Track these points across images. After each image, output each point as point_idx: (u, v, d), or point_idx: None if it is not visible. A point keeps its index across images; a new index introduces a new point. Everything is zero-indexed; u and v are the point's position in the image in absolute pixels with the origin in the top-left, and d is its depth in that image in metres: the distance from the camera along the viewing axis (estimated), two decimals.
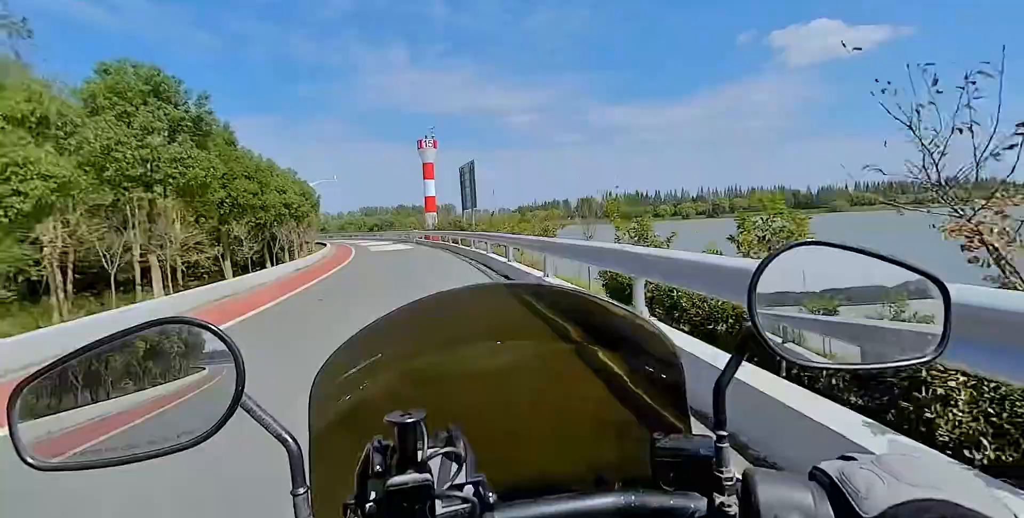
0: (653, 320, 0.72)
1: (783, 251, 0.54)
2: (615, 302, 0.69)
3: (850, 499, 0.43)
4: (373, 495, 0.47)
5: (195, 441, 0.48)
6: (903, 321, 0.57)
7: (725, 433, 0.55)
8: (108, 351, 0.51)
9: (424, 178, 58.36)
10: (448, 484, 0.48)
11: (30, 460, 0.47)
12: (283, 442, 0.51)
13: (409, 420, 0.46)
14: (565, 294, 0.73)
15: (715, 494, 0.53)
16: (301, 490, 0.51)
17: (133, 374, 0.53)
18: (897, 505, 0.39)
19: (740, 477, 0.54)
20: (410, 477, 0.45)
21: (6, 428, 0.47)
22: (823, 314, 0.56)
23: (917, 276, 0.55)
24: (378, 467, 0.47)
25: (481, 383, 0.70)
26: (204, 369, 0.53)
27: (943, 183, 2.90)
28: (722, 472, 0.53)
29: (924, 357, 0.54)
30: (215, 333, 0.50)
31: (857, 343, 0.58)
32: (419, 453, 0.47)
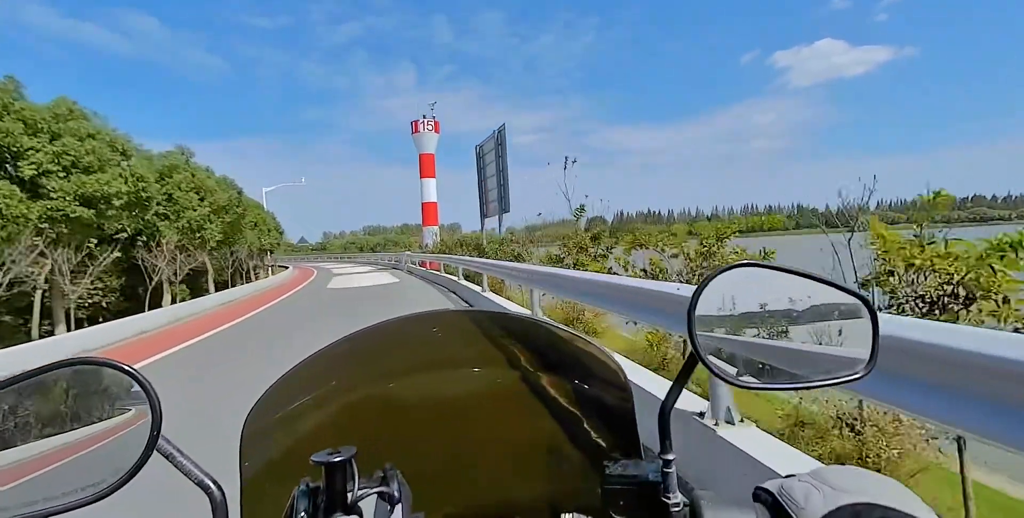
0: (604, 347, 0.72)
1: (719, 273, 0.55)
2: (566, 328, 0.68)
3: (790, 512, 0.44)
4: None
5: (101, 494, 0.44)
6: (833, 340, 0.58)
7: (671, 457, 0.55)
8: (9, 394, 0.46)
9: (421, 176, 37.38)
10: None
11: None
12: (205, 489, 0.47)
13: (337, 459, 0.43)
14: (514, 319, 0.72)
15: None
16: None
17: (33, 421, 0.48)
18: (833, 511, 0.41)
19: (687, 501, 0.53)
20: None
21: None
22: (759, 335, 0.57)
23: (847, 296, 0.57)
24: (302, 513, 0.44)
25: (424, 415, 0.68)
26: (115, 413, 0.49)
27: None
28: (669, 497, 0.53)
29: (855, 375, 0.55)
30: (128, 373, 0.47)
31: (792, 363, 0.59)
32: (349, 495, 0.44)
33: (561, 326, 0.69)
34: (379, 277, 20.37)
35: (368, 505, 0.46)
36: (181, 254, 19.90)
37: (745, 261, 0.57)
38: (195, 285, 23.88)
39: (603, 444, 0.66)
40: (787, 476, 0.50)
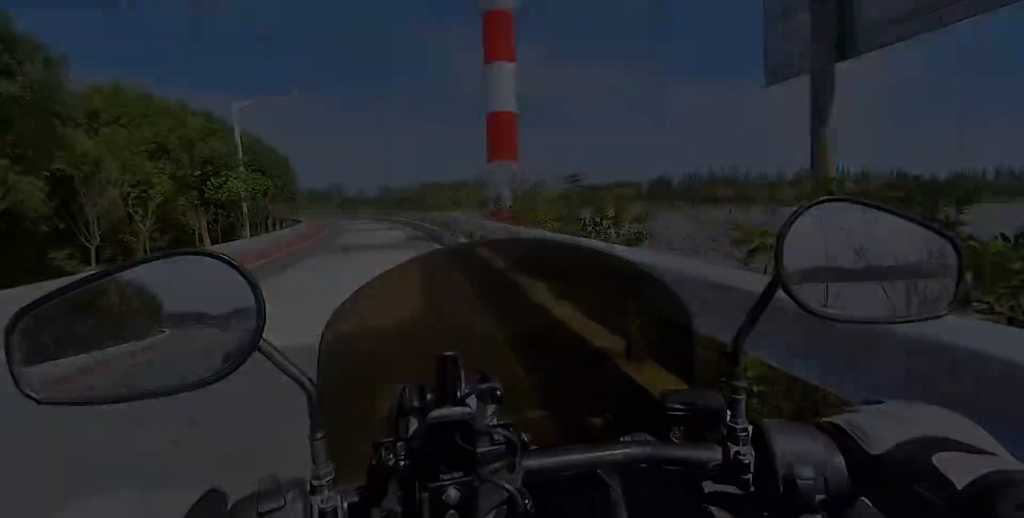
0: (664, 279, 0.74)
1: (811, 206, 0.55)
2: (626, 257, 0.70)
3: (859, 442, 0.45)
4: (411, 431, 0.45)
5: (208, 380, 0.45)
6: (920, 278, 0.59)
7: (742, 385, 0.56)
8: (115, 283, 0.48)
9: (485, 59, 18.86)
10: (484, 423, 0.47)
11: (29, 392, 0.42)
12: (301, 385, 0.49)
13: (448, 354, 0.45)
14: (579, 250, 0.75)
15: (729, 444, 0.54)
16: (319, 435, 0.49)
17: (142, 309, 0.50)
18: (902, 443, 0.42)
19: (752, 427, 0.55)
20: (453, 410, 0.44)
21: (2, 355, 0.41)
22: (845, 268, 0.58)
23: (933, 234, 0.57)
24: (415, 403, 0.46)
25: (502, 334, 0.70)
26: (220, 307, 0.50)
27: None
28: (736, 423, 0.54)
29: (939, 312, 0.56)
30: (234, 267, 0.47)
31: (878, 298, 0.60)
32: (457, 392, 0.45)
33: (624, 257, 0.71)
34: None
35: (470, 404, 0.47)
36: None
37: (837, 196, 0.58)
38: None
39: (664, 371, 0.68)
40: (850, 410, 0.51)
